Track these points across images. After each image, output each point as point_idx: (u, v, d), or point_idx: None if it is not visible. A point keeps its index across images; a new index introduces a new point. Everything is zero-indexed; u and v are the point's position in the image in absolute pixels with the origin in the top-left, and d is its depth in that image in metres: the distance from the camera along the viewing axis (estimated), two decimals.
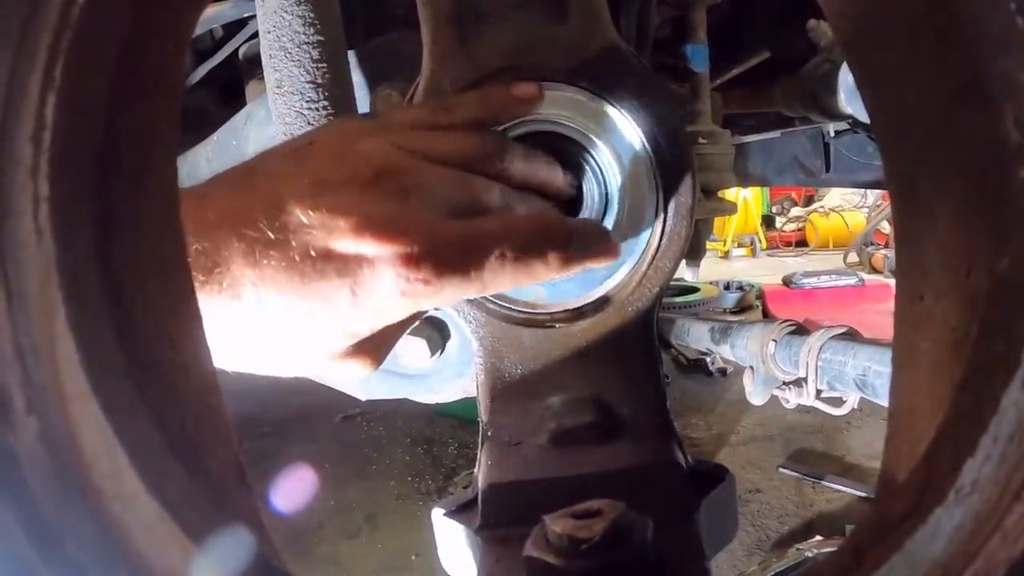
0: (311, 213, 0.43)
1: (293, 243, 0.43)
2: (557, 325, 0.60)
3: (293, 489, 2.67)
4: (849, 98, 1.15)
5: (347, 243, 0.43)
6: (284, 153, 0.49)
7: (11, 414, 0.21)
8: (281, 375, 0.51)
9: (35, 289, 0.22)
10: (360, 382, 1.07)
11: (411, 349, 0.96)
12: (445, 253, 0.44)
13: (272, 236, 0.42)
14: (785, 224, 10.02)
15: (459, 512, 0.58)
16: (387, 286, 0.44)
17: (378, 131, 0.49)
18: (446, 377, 1.01)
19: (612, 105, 0.56)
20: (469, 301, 0.60)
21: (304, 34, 0.79)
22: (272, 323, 0.45)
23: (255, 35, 1.06)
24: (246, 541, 0.26)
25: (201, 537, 0.24)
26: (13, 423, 0.21)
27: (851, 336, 1.19)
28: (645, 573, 0.40)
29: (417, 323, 0.97)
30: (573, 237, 0.48)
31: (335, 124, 0.55)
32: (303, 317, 0.44)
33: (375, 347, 0.51)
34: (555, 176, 0.55)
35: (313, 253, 0.43)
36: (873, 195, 8.31)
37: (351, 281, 0.43)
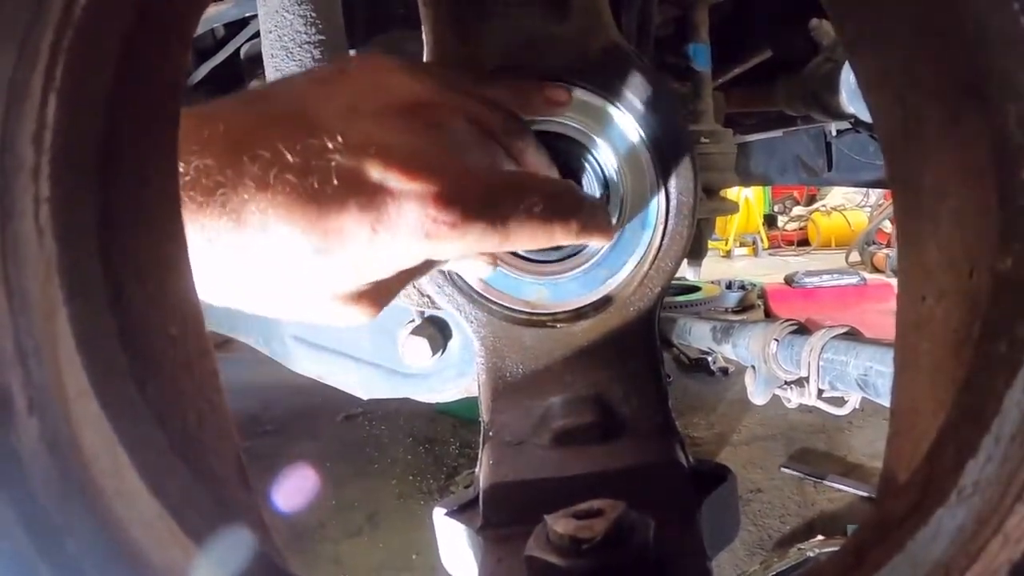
0: (339, 138, 0.39)
1: (314, 168, 0.39)
2: (559, 325, 0.60)
3: (294, 488, 2.67)
4: (851, 97, 1.15)
5: (375, 173, 0.40)
6: (309, 78, 0.46)
7: (13, 415, 0.21)
8: (274, 316, 0.47)
9: (36, 289, 0.22)
10: (361, 381, 1.07)
11: (413, 348, 0.96)
12: (475, 197, 0.41)
13: (291, 159, 0.38)
14: (787, 223, 10.01)
15: (460, 512, 0.58)
16: (410, 225, 0.40)
17: (411, 68, 0.47)
18: (448, 376, 1.01)
19: (613, 104, 0.56)
20: (471, 300, 0.60)
21: (305, 33, 0.79)
22: (275, 256, 0.40)
23: (256, 34, 1.06)
24: (247, 540, 0.26)
25: (202, 536, 0.24)
26: (15, 423, 0.21)
27: (853, 336, 1.18)
28: (646, 573, 0.40)
29: (419, 323, 0.97)
30: (590, 208, 0.48)
31: (366, 55, 0.52)
32: (311, 253, 0.40)
33: (380, 294, 0.48)
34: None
35: (336, 181, 0.39)
36: (875, 194, 8.30)
37: (373, 217, 0.40)
